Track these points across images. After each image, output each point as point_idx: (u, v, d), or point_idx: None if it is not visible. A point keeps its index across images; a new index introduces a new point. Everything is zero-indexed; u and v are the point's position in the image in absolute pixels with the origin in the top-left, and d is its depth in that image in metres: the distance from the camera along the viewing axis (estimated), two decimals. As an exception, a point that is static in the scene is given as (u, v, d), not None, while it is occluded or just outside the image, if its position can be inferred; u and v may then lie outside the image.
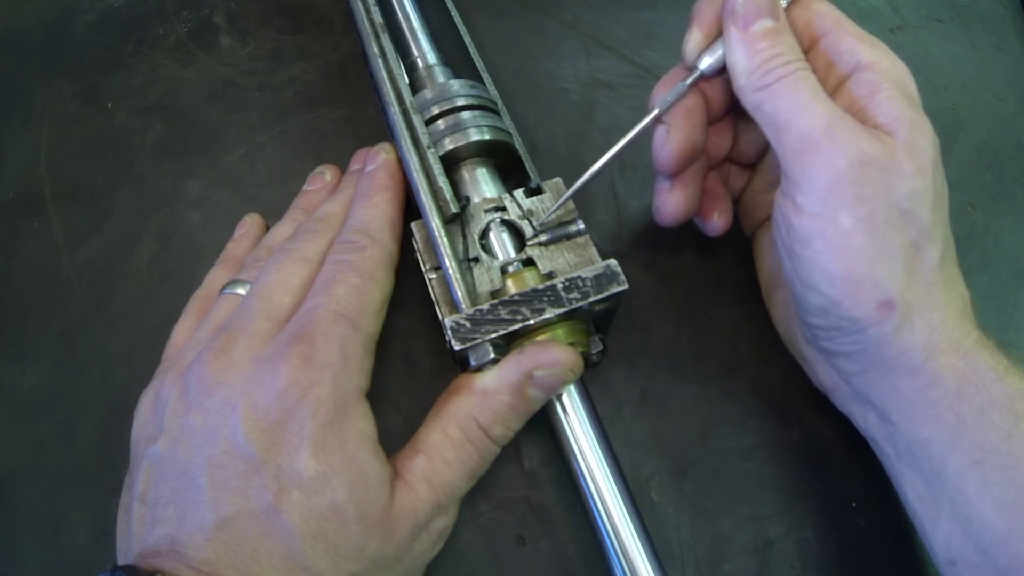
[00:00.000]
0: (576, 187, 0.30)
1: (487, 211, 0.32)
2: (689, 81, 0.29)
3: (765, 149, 0.33)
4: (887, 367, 0.26)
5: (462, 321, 0.28)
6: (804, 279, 0.26)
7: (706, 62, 0.28)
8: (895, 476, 0.28)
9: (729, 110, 0.32)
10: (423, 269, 0.31)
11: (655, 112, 0.29)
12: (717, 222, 0.33)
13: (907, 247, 0.25)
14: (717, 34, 0.28)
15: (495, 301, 0.28)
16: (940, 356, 0.25)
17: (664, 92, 0.29)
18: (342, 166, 0.37)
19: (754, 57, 0.26)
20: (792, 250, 0.26)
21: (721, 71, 0.29)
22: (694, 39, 0.28)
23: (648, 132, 0.30)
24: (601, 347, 0.31)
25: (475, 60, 0.38)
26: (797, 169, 0.25)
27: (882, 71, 0.26)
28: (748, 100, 0.27)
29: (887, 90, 0.26)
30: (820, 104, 0.25)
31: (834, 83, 0.27)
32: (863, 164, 0.24)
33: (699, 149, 0.30)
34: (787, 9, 0.27)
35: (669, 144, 0.29)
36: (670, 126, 0.29)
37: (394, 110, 0.33)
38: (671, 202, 0.31)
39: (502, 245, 0.31)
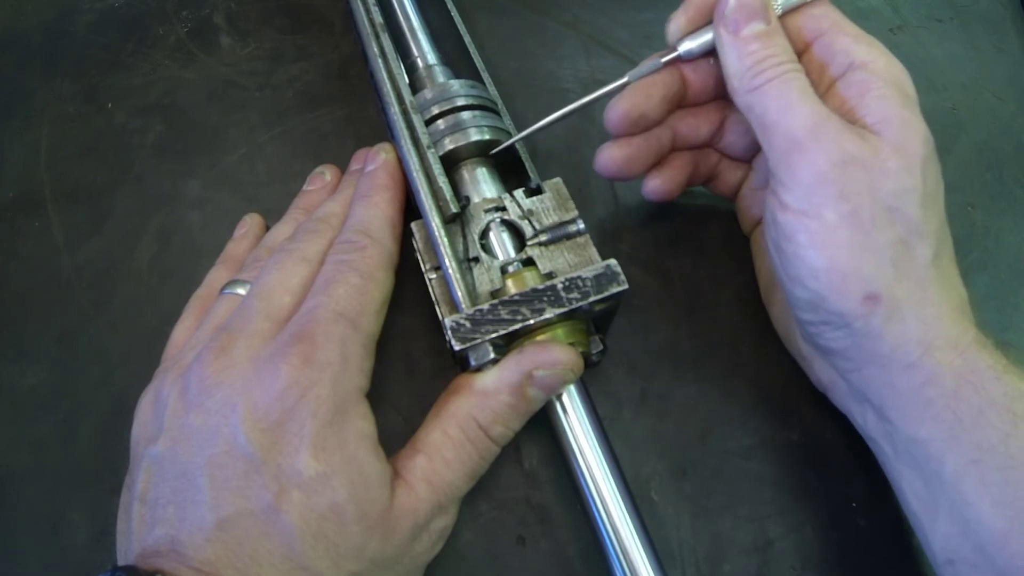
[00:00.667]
0: (532, 129, 0.32)
1: (487, 211, 0.32)
2: (664, 59, 0.30)
3: (756, 144, 0.33)
4: (881, 363, 0.26)
5: (462, 321, 0.28)
6: (791, 273, 0.26)
7: (685, 46, 0.29)
8: (893, 475, 0.28)
9: (715, 98, 0.32)
10: (423, 269, 0.31)
11: (624, 79, 0.30)
12: (652, 183, 0.34)
13: (894, 243, 0.25)
14: (703, 22, 0.29)
15: (495, 301, 0.28)
16: (936, 353, 0.25)
17: (645, 65, 0.31)
18: (342, 166, 0.37)
19: (745, 59, 0.27)
20: (779, 245, 0.27)
21: (701, 57, 0.30)
22: (677, 22, 0.29)
23: None
24: (601, 347, 0.31)
25: (475, 60, 0.38)
26: (783, 168, 0.26)
27: (876, 71, 0.26)
28: (740, 102, 0.27)
29: (878, 89, 0.26)
30: (807, 105, 0.26)
31: (827, 84, 0.28)
32: (845, 163, 0.25)
33: (649, 120, 0.31)
34: (783, 15, 0.28)
35: (616, 106, 0.30)
36: (625, 92, 0.30)
37: (394, 110, 0.33)
38: (605, 154, 0.32)
39: (502, 245, 0.31)
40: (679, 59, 0.30)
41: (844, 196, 0.25)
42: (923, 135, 0.26)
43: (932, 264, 0.25)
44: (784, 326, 0.32)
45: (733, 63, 0.27)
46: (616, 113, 0.30)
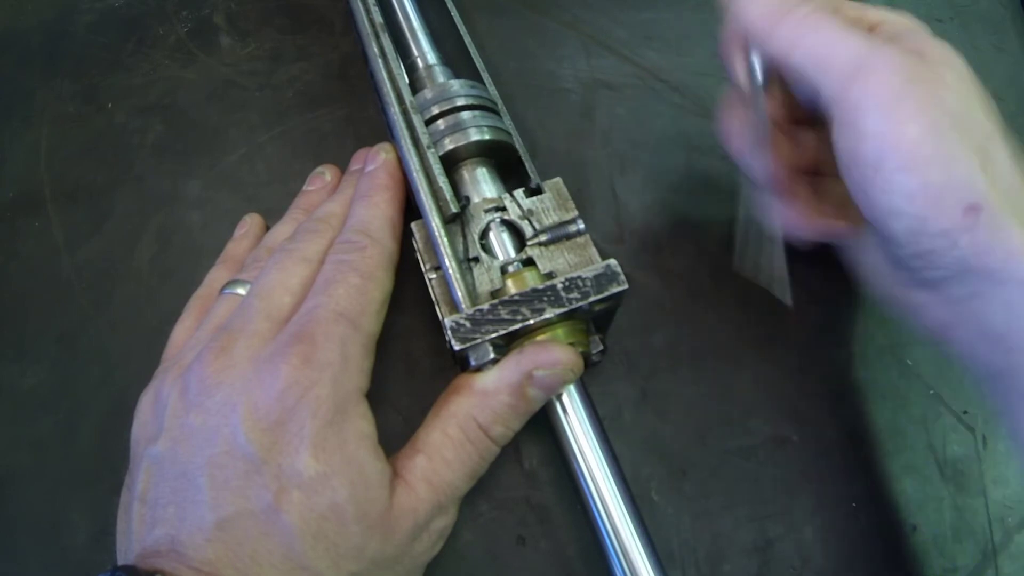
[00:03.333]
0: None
1: (487, 211, 0.32)
2: (761, 103, 0.29)
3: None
4: (997, 279, 0.24)
5: (462, 321, 0.28)
6: (885, 206, 0.25)
7: (759, 74, 0.28)
8: (1019, 415, 0.26)
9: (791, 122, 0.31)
10: (423, 269, 0.31)
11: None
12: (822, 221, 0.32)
13: (977, 151, 0.24)
14: (743, 51, 0.28)
15: (495, 301, 0.28)
16: None
17: (738, 126, 0.30)
18: (342, 166, 0.37)
19: (763, 6, 0.26)
20: (866, 179, 0.26)
21: (767, 82, 0.29)
22: (740, 62, 0.28)
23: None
24: (601, 347, 0.31)
25: (475, 60, 0.38)
26: (854, 93, 0.25)
27: (891, 21, 0.27)
28: (776, 48, 0.27)
29: (908, 30, 0.27)
30: (854, 30, 0.26)
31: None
32: (912, 79, 0.24)
33: (796, 167, 0.30)
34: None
35: (770, 167, 0.29)
36: (765, 155, 0.29)
37: (394, 110, 0.33)
38: (790, 217, 0.30)
39: (502, 245, 0.31)
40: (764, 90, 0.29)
41: (921, 109, 0.24)
42: (955, 53, 0.26)
43: (1012, 170, 0.25)
44: (881, 279, 0.30)
45: (755, 16, 0.27)
46: (777, 173, 0.29)
